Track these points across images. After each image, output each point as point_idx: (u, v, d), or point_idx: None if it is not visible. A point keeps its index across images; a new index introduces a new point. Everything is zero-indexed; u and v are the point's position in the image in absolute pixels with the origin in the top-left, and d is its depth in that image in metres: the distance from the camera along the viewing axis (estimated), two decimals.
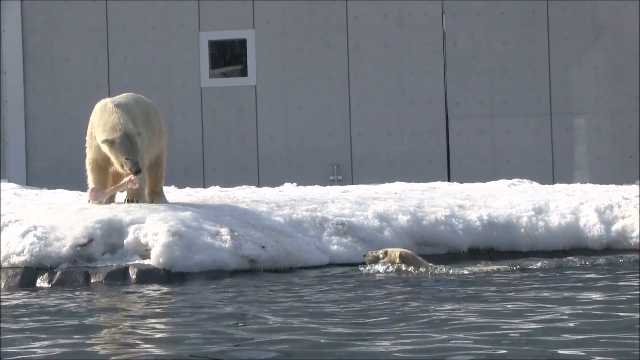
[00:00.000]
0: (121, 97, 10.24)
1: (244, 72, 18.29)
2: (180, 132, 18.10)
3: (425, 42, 18.00)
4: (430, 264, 9.31)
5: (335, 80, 18.11)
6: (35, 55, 18.32)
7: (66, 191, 13.84)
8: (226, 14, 18.18)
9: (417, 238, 10.40)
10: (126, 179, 9.85)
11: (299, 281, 8.64)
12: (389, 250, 9.40)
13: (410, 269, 9.19)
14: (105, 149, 9.79)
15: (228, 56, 18.58)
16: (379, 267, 9.23)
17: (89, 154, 10.17)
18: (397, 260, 9.23)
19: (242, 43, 18.28)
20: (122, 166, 9.76)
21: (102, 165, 10.09)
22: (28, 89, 18.30)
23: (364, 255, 9.40)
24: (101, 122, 9.88)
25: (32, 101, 18.28)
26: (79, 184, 14.41)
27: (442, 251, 10.43)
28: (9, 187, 14.41)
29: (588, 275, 8.72)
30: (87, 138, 10.20)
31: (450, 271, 9.07)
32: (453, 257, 10.31)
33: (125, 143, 9.74)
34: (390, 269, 9.19)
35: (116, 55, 18.25)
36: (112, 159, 9.80)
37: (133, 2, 18.24)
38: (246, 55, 18.20)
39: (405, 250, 9.46)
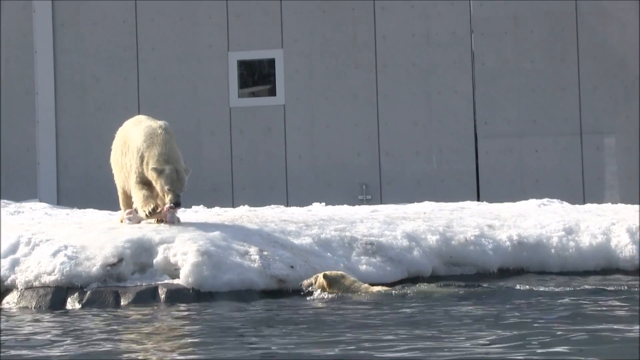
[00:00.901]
0: (160, 122, 10.26)
1: (272, 92, 18.32)
2: (209, 151, 18.14)
3: (453, 60, 17.97)
4: (363, 284, 9.11)
5: (363, 99, 18.09)
6: (65, 75, 18.44)
7: (96, 210, 13.89)
8: (255, 34, 18.25)
9: (446, 258, 10.35)
10: (165, 210, 9.89)
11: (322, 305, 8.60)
12: (316, 275, 9.18)
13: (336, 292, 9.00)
14: (152, 175, 9.85)
15: (257, 76, 18.63)
16: (315, 294, 9.04)
17: (134, 176, 10.09)
18: (324, 283, 9.03)
19: (271, 63, 18.32)
20: (163, 194, 9.83)
21: (148, 181, 10.09)
22: (59, 109, 18.41)
23: (300, 285, 9.25)
24: (152, 148, 9.93)
25: (62, 121, 18.39)
26: (108, 203, 14.47)
27: (471, 271, 10.37)
28: (40, 207, 14.50)
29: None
30: (132, 156, 10.15)
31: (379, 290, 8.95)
32: (482, 277, 10.24)
33: (173, 176, 9.83)
34: (322, 294, 8.98)
35: (145, 75, 18.34)
36: (157, 185, 9.86)
37: (162, 22, 18.35)
38: (275, 75, 18.24)
39: (331, 272, 9.19)
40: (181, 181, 9.88)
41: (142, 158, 9.98)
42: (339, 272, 9.15)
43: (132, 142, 10.11)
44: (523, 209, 12.35)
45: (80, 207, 14.79)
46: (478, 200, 16.72)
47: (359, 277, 9.39)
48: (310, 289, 9.04)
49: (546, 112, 17.80)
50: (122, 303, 8.80)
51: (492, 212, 11.78)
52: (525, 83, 17.86)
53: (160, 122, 10.18)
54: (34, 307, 8.83)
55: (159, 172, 9.79)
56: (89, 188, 18.08)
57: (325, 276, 9.00)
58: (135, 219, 10.13)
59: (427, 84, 17.97)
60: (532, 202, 13.72)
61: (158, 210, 9.90)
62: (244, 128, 18.24)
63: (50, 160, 18.27)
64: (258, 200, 16.64)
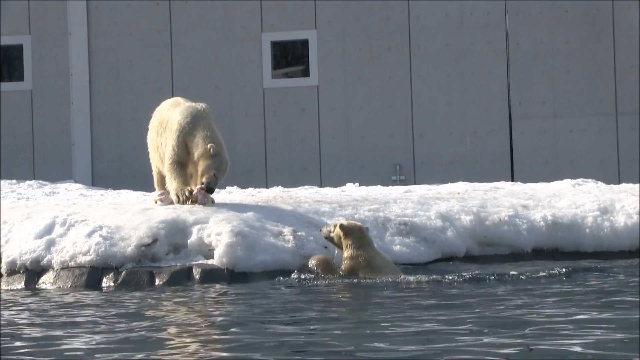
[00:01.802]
0: (202, 104, 10.25)
1: (305, 73, 18.31)
2: (243, 133, 18.17)
3: (487, 41, 17.87)
4: (380, 253, 8.94)
5: (397, 81, 18.04)
6: (100, 57, 18.52)
7: (130, 191, 13.97)
8: (288, 14, 18.22)
9: (480, 238, 10.32)
10: (196, 191, 9.91)
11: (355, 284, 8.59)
12: (335, 223, 9.04)
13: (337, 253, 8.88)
14: (203, 154, 9.82)
15: (290, 57, 18.62)
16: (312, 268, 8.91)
17: (169, 156, 10.07)
18: (340, 233, 8.84)
19: (304, 44, 18.30)
20: (202, 176, 9.83)
21: (184, 162, 10.10)
22: (93, 91, 18.50)
23: (320, 231, 9.17)
24: (198, 128, 9.91)
25: (96, 103, 18.48)
26: (141, 184, 14.54)
27: (505, 252, 10.33)
28: (75, 188, 14.60)
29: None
30: (169, 135, 10.15)
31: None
32: (516, 257, 10.21)
33: (223, 164, 9.86)
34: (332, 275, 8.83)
35: (179, 57, 18.38)
36: (200, 165, 9.85)
37: (195, 3, 18.37)
38: (308, 56, 18.23)
39: (349, 222, 9.01)
40: (225, 173, 9.92)
41: (185, 137, 9.95)
42: (358, 224, 9.09)
43: (171, 122, 10.09)
44: (557, 189, 12.28)
45: (114, 188, 14.89)
46: (512, 180, 16.65)
47: (393, 257, 9.37)
48: (330, 235, 9.00)
49: (581, 92, 17.67)
50: (156, 283, 8.84)
51: (527, 192, 11.73)
52: (560, 63, 17.72)
53: (202, 104, 10.19)
54: (70, 287, 8.89)
55: (213, 155, 9.78)
56: (122, 169, 18.18)
57: (341, 226, 8.94)
58: (167, 200, 10.14)
59: (461, 65, 17.89)
60: (567, 182, 13.65)
61: (194, 194, 9.91)
62: (278, 109, 18.24)
63: (85, 142, 18.38)
64: (291, 181, 16.66)
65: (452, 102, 17.93)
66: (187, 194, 9.89)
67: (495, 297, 7.46)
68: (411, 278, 8.61)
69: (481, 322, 6.11)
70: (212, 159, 9.81)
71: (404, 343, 5.49)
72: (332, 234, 8.99)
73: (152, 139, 10.46)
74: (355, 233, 8.89)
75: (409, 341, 5.53)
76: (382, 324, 6.20)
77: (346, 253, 8.85)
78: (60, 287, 8.89)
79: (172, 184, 10.02)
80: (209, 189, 9.82)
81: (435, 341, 5.48)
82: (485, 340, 5.45)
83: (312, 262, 8.96)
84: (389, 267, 8.86)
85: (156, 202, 10.30)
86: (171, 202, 10.06)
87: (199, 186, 9.85)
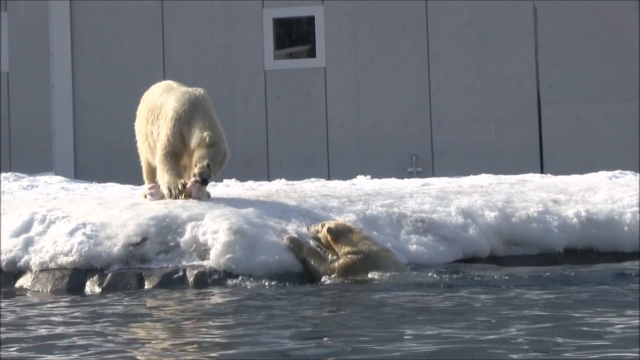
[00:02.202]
0: (199, 89, 10.25)
1: (311, 53, 18.28)
2: (242, 119, 18.13)
3: (513, 18, 17.81)
4: (383, 248, 8.92)
5: (413, 62, 18.00)
6: (84, 36, 18.48)
7: (118, 185, 13.95)
8: None
9: (506, 237, 10.31)
10: (190, 184, 9.89)
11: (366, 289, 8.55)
12: (323, 223, 9.02)
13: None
14: (199, 143, 9.81)
15: (294, 35, 18.58)
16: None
17: (162, 145, 10.07)
18: (328, 238, 8.85)
19: (310, 21, 18.26)
20: (195, 166, 9.81)
21: (178, 153, 10.09)
22: (76, 73, 18.47)
23: (307, 229, 9.18)
24: (197, 117, 9.92)
25: (81, 87, 18.46)
26: (130, 177, 14.51)
27: (534, 251, 10.31)
28: (56, 181, 14.57)
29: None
30: (162, 124, 10.14)
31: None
32: (547, 258, 10.17)
33: (220, 155, 9.84)
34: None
35: (172, 36, 18.35)
36: (196, 155, 9.83)
37: None
38: (314, 35, 18.18)
39: (337, 224, 8.97)
40: (221, 165, 9.92)
41: (181, 126, 9.93)
42: (347, 224, 9.05)
43: (166, 109, 10.09)
44: (592, 182, 12.24)
45: (100, 181, 14.86)
46: (541, 172, 16.62)
47: (409, 258, 9.34)
48: (318, 235, 8.99)
49: (618, 74, 17.60)
50: (146, 286, 8.82)
51: (558, 186, 11.71)
52: (595, 42, 17.65)
53: (200, 90, 10.19)
54: (50, 291, 8.86)
55: (210, 144, 9.78)
56: (109, 160, 18.15)
57: (329, 230, 8.91)
58: (158, 194, 10.13)
59: (484, 44, 17.84)
60: (603, 175, 13.59)
61: (187, 187, 9.89)
62: (281, 94, 18.21)
63: (67, 130, 18.36)
64: (296, 173, 16.63)
65: (474, 85, 17.88)
66: (180, 187, 9.89)
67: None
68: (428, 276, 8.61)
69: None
70: (207, 148, 9.81)
71: None
72: (319, 234, 8.99)
73: (141, 127, 10.45)
74: (344, 235, 8.87)
75: None
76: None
77: (340, 256, 8.81)
78: (39, 291, 8.87)
79: (163, 177, 10.02)
80: (202, 181, 9.80)
81: None
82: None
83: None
84: (394, 266, 8.82)
85: (146, 197, 10.29)
86: (162, 197, 10.06)
87: (192, 179, 9.83)
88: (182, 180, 9.94)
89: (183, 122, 9.97)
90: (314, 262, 8.90)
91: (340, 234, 8.93)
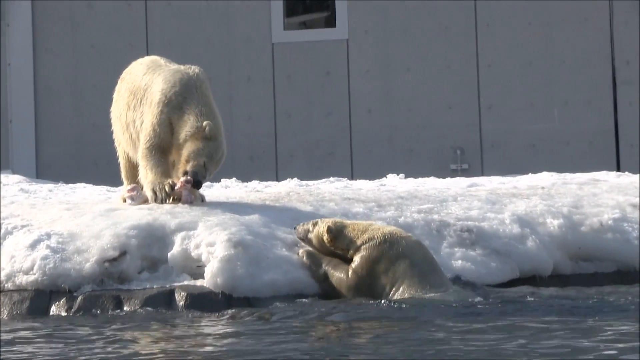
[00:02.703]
0: (193, 67, 10.27)
1: (330, 22, 18.29)
2: (244, 105, 18.16)
3: None
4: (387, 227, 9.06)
5: (457, 32, 18.00)
6: (48, 3, 18.53)
7: (90, 186, 13.97)
8: None
9: (573, 250, 10.34)
10: (180, 185, 9.89)
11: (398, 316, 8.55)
12: (316, 221, 9.16)
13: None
14: (191, 136, 9.82)
15: (309, 0, 18.62)
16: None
17: (150, 133, 10.08)
18: (326, 238, 8.98)
19: None
20: (187, 162, 9.81)
21: (166, 147, 10.10)
22: (38, 48, 18.52)
23: (294, 229, 9.31)
24: (191, 102, 9.94)
25: (44, 64, 18.50)
26: (105, 176, 14.54)
27: (608, 268, 10.34)
28: (13, 181, 14.62)
29: None
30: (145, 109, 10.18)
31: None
32: (625, 277, 10.17)
33: (218, 152, 9.87)
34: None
35: (157, 2, 18.38)
36: (187, 149, 9.83)
37: None
38: None
39: (334, 222, 9.11)
40: (218, 164, 9.94)
41: (170, 113, 9.95)
42: (339, 219, 9.18)
43: (152, 91, 10.10)
44: None
45: (67, 182, 14.89)
46: (618, 169, 16.60)
47: (452, 276, 9.32)
48: (309, 236, 9.06)
49: None
50: (125, 310, 8.83)
51: (638, 187, 11.68)
52: None
53: (195, 68, 10.20)
54: (7, 317, 8.90)
55: (208, 137, 9.79)
56: (79, 155, 18.20)
57: (329, 229, 8.99)
58: (140, 197, 10.14)
59: (545, 11, 17.84)
60: None
61: (176, 189, 9.90)
62: (292, 72, 18.23)
63: (27, 118, 18.41)
64: (312, 171, 16.64)
65: (533, 61, 17.88)
66: (167, 189, 9.91)
67: None
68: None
69: None
70: (204, 142, 9.82)
71: None
72: (311, 235, 9.06)
73: (120, 114, 10.46)
74: (343, 231, 9.01)
75: None
76: None
77: (355, 251, 8.89)
78: None
79: (147, 176, 10.04)
80: (195, 182, 9.80)
81: None
82: None
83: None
84: (418, 250, 8.90)
85: (125, 201, 10.30)
86: (146, 201, 10.08)
87: (182, 178, 9.84)
88: (170, 180, 9.95)
89: (173, 108, 9.99)
90: (339, 272, 8.93)
91: (339, 231, 9.01)
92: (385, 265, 8.85)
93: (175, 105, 9.99)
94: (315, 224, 9.12)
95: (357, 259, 8.92)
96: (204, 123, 9.81)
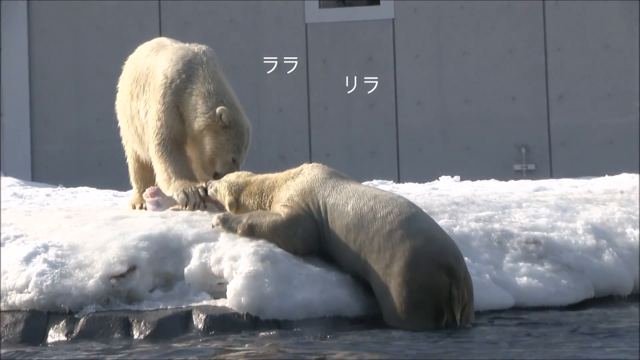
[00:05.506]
0: (201, 46, 10.31)
1: (374, 0, 18.33)
2: (274, 96, 18.19)
3: None
4: None
5: (520, 11, 17.99)
6: None
7: (93, 190, 14.02)
8: None
9: None
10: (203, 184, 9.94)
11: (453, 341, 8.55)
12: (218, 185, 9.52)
13: None
14: (207, 127, 9.83)
15: None
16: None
17: (157, 125, 10.10)
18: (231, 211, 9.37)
19: None
20: (211, 162, 9.83)
21: (180, 139, 10.11)
22: (34, 30, 18.61)
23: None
24: (196, 82, 9.93)
25: (40, 50, 18.58)
26: (112, 179, 14.59)
27: None
28: (6, 184, 14.68)
29: None
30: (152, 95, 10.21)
31: None
32: None
33: (242, 136, 9.89)
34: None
35: None
36: (207, 144, 9.84)
37: None
38: None
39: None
40: (247, 148, 10.04)
41: (176, 97, 9.94)
42: (236, 184, 9.49)
43: (154, 74, 10.10)
44: None
45: (68, 185, 14.96)
46: None
47: (516, 295, 9.31)
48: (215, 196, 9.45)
49: None
50: (134, 336, 8.85)
51: None
52: None
53: (202, 45, 10.19)
54: None
55: (227, 124, 9.81)
56: (82, 154, 18.27)
57: (231, 207, 9.43)
58: (168, 202, 10.07)
59: None
60: None
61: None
62: (329, 58, 18.26)
63: (22, 112, 18.50)
64: (351, 172, 16.62)
65: (610, 44, 17.84)
66: (201, 192, 9.85)
67: None
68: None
69: None
70: (224, 132, 9.82)
71: None
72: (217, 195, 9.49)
73: (124, 105, 10.48)
74: (245, 200, 9.37)
75: None
76: None
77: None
78: None
79: (169, 178, 9.99)
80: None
81: None
82: None
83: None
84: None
85: (135, 207, 10.30)
86: (170, 206, 10.03)
87: (210, 181, 9.82)
88: (202, 184, 9.91)
89: (178, 90, 9.96)
90: (269, 217, 9.28)
91: (239, 201, 9.44)
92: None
93: (179, 87, 9.95)
94: (215, 190, 9.46)
95: (282, 210, 9.16)
96: (217, 110, 9.78)
